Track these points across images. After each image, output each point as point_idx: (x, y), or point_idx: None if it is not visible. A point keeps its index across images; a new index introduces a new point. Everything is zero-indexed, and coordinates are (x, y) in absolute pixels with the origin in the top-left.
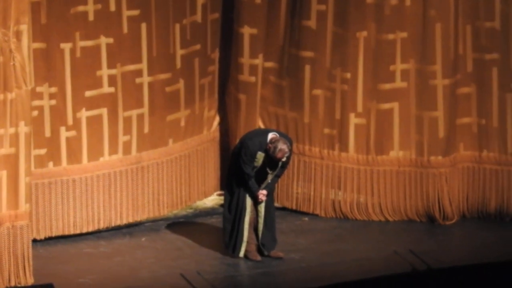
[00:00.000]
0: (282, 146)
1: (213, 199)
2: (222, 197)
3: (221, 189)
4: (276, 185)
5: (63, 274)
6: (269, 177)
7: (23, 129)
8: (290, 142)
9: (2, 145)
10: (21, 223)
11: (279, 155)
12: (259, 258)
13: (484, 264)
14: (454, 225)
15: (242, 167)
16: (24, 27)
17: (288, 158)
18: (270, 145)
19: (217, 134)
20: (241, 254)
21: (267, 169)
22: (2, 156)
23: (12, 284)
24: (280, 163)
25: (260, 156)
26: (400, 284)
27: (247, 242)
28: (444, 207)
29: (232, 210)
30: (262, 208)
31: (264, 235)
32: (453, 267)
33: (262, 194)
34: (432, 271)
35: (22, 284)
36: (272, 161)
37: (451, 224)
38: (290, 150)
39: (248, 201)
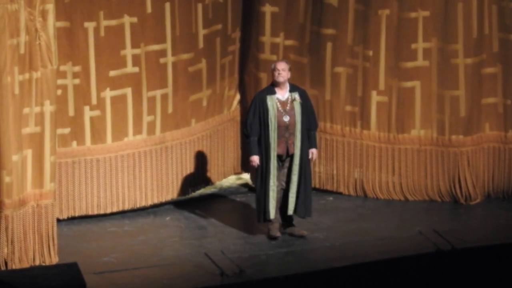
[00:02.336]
0: (277, 61)
1: (237, 178)
2: (245, 177)
3: (241, 168)
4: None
5: (87, 253)
6: (297, 127)
7: (48, 108)
8: (305, 91)
9: (27, 124)
10: (46, 202)
11: (277, 64)
12: (278, 234)
13: (508, 244)
14: (478, 205)
15: (246, 119)
16: (50, 6)
17: (304, 97)
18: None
19: (237, 114)
20: (272, 216)
21: (285, 118)
22: (27, 135)
23: (37, 263)
24: (298, 106)
25: (271, 99)
26: (425, 264)
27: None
28: (466, 186)
29: (258, 180)
30: (294, 174)
31: (297, 202)
32: (477, 247)
33: (312, 152)
34: (456, 251)
35: (47, 263)
36: (285, 105)
37: (474, 204)
38: (305, 94)
39: (273, 168)
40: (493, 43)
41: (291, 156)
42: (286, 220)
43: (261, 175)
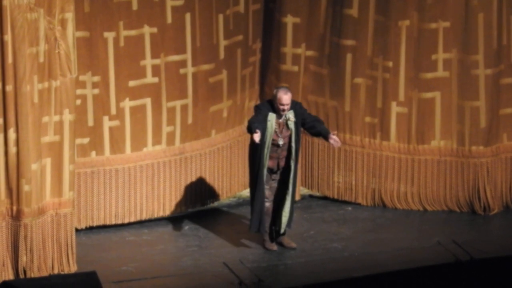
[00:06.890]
0: (282, 92)
1: None
2: None
3: None
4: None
5: (106, 262)
6: (292, 145)
7: (68, 117)
8: (299, 104)
9: (46, 132)
10: (65, 211)
11: (283, 99)
12: (275, 247)
13: None
14: (496, 215)
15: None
16: (69, 15)
17: (298, 113)
18: (276, 102)
19: None
20: (267, 228)
21: (280, 141)
22: (46, 143)
23: (56, 271)
24: (293, 125)
25: (272, 117)
26: (443, 275)
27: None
28: (486, 197)
29: (252, 191)
30: (288, 194)
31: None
32: (496, 258)
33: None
34: (475, 261)
35: (65, 272)
36: (281, 126)
37: (493, 214)
38: (300, 108)
39: (262, 182)
40: (511, 54)
41: (282, 169)
42: (276, 232)
43: (254, 186)
